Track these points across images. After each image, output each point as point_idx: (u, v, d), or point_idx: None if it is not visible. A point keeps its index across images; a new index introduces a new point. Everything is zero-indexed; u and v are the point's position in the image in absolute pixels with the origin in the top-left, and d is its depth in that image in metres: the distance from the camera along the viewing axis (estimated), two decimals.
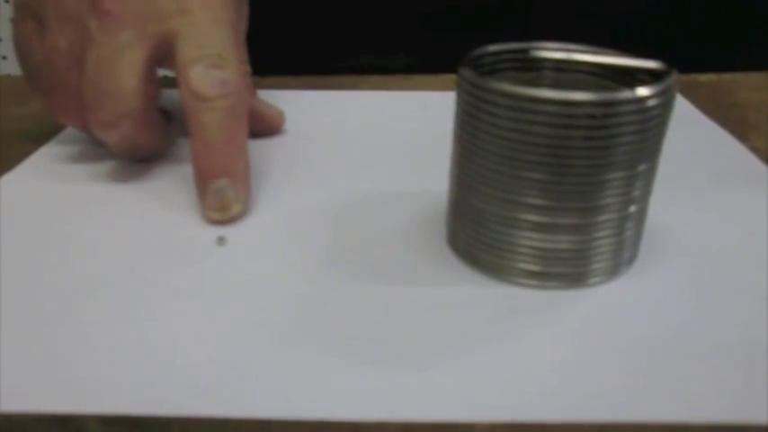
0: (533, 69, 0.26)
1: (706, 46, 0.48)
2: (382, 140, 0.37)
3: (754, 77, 0.46)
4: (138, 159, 0.34)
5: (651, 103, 0.22)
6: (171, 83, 0.32)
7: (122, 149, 0.32)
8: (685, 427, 0.19)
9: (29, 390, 0.20)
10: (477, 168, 0.24)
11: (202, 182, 0.29)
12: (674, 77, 0.23)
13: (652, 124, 0.22)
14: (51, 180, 0.32)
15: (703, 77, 0.46)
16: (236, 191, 0.29)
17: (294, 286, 0.25)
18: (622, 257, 0.25)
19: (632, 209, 0.24)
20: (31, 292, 0.24)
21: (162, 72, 0.32)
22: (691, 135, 0.37)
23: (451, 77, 0.24)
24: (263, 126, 0.37)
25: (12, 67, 0.37)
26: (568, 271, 0.24)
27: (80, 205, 0.30)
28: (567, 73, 0.26)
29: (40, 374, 0.20)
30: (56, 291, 0.24)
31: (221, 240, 0.27)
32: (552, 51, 0.26)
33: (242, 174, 0.29)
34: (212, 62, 0.29)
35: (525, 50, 0.26)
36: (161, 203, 0.30)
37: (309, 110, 0.41)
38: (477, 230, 0.25)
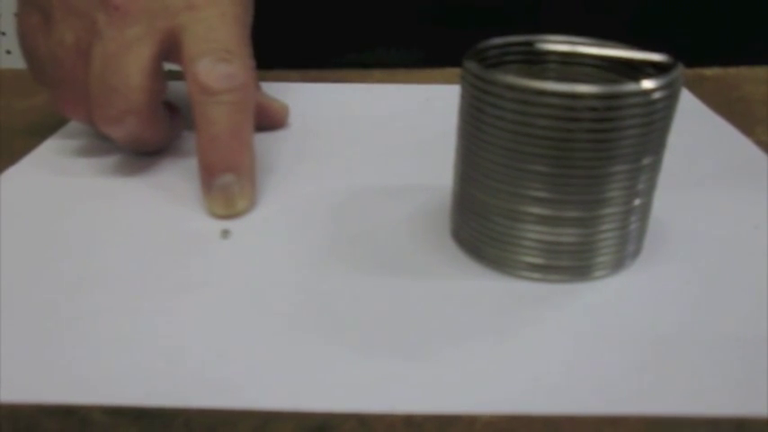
0: (538, 62, 0.26)
1: (712, 40, 0.48)
2: (387, 134, 0.37)
3: (759, 71, 0.46)
4: (142, 153, 0.34)
5: (656, 95, 0.22)
6: (176, 75, 0.32)
7: (127, 144, 0.32)
8: (689, 420, 0.19)
9: (34, 381, 0.20)
10: (481, 161, 0.24)
11: (208, 176, 0.29)
12: (680, 70, 0.23)
13: (657, 117, 0.22)
14: (55, 173, 0.32)
15: (709, 71, 0.46)
16: (241, 186, 0.29)
17: (298, 279, 0.25)
18: (627, 251, 0.25)
19: (637, 202, 0.24)
20: (35, 285, 0.24)
21: (167, 66, 0.32)
22: (696, 129, 0.37)
23: (456, 71, 0.24)
24: (268, 120, 0.37)
25: (16, 62, 0.37)
26: (573, 264, 0.24)
27: (84, 199, 0.30)
28: (571, 66, 0.26)
29: (45, 366, 0.21)
30: (60, 283, 0.24)
31: (226, 233, 0.27)
32: (557, 44, 0.26)
33: (248, 169, 0.29)
34: (219, 56, 0.29)
35: (530, 43, 0.26)
36: (166, 197, 0.30)
37: (314, 103, 0.41)
38: (482, 223, 0.25)
